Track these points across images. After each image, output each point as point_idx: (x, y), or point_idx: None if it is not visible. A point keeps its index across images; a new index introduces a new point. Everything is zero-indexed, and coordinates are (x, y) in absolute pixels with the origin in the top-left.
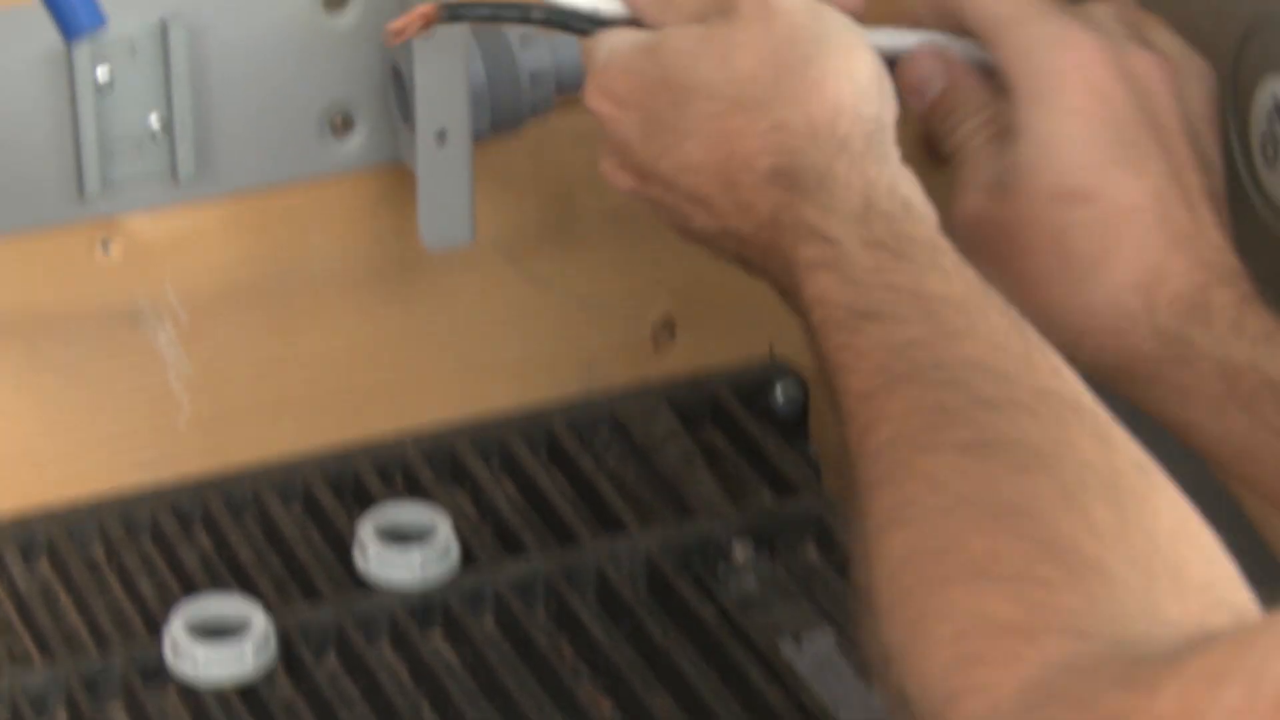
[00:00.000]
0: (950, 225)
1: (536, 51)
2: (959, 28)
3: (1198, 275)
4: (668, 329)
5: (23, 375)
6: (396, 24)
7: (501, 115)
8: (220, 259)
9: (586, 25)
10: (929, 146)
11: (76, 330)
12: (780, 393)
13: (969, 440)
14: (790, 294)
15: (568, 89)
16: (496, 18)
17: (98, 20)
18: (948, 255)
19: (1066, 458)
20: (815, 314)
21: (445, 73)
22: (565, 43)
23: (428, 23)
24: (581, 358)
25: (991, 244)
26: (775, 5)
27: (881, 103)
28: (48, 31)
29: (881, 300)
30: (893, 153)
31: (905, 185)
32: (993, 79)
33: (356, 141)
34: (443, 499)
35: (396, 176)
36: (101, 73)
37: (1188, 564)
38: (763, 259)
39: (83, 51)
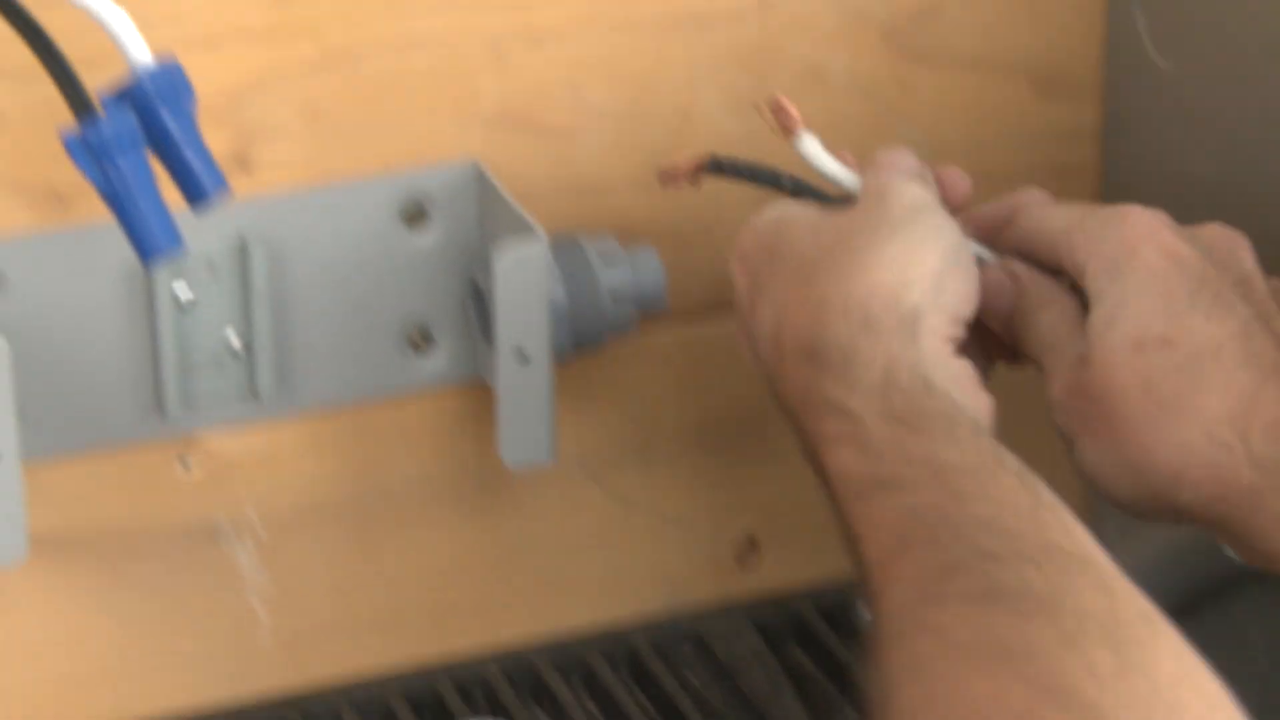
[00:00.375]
0: (1051, 415)
1: (618, 270)
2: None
3: None
4: (751, 546)
5: (102, 592)
6: (667, 165)
7: (583, 334)
8: (300, 476)
9: (827, 197)
10: (1008, 355)
11: (156, 547)
12: (866, 611)
13: (974, 590)
14: (815, 464)
15: (649, 307)
16: (754, 178)
17: (175, 243)
18: (963, 426)
19: (1068, 605)
20: (836, 486)
21: (526, 291)
22: (646, 262)
23: (698, 169)
24: (664, 575)
25: (1086, 413)
26: (886, 192)
27: (933, 295)
28: (128, 248)
29: (897, 471)
30: (929, 340)
31: (930, 365)
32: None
33: (436, 358)
34: (524, 718)
35: (477, 393)
36: (181, 290)
37: (1187, 708)
38: (798, 429)
39: (162, 269)
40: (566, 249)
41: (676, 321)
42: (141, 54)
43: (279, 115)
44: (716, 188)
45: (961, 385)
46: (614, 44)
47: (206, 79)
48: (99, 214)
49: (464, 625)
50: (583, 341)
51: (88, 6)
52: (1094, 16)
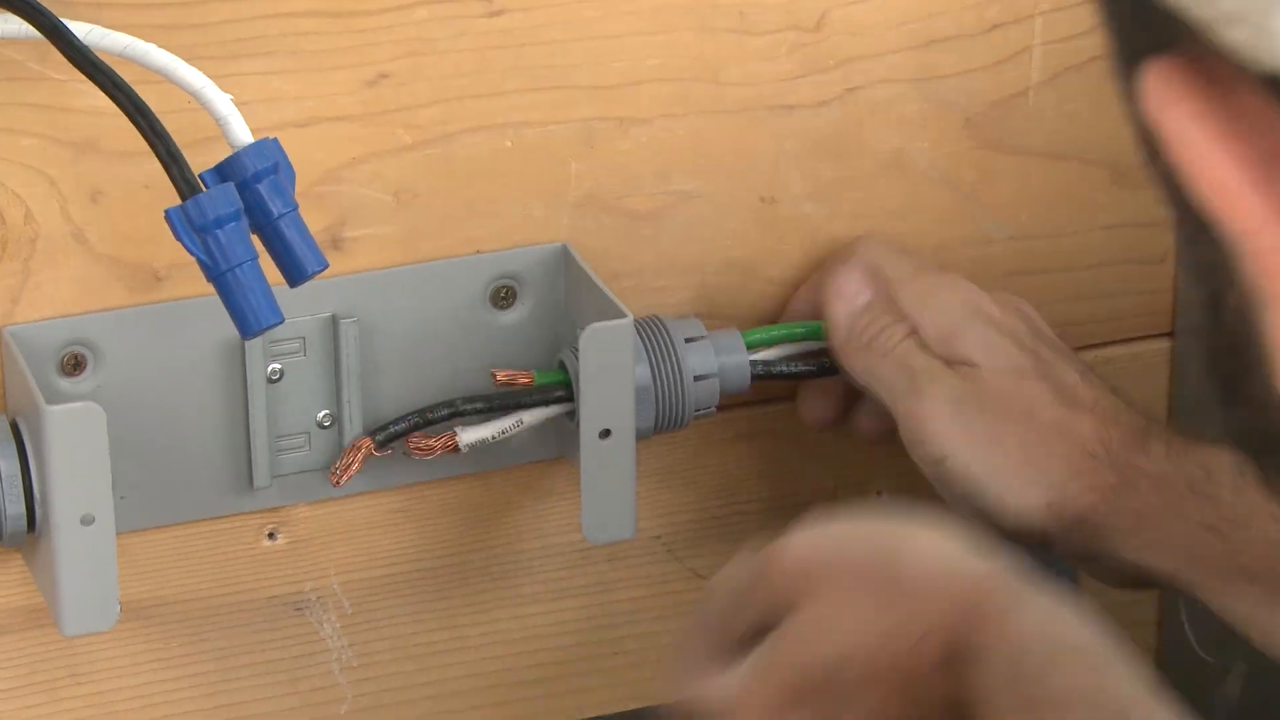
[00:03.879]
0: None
1: (701, 351)
2: None
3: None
4: None
5: (188, 659)
6: (338, 467)
7: (665, 413)
8: (385, 547)
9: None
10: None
11: (241, 615)
12: None
13: None
14: None
15: (730, 389)
16: (426, 423)
17: (275, 318)
18: None
19: None
20: None
21: (611, 371)
22: (729, 343)
23: (367, 454)
24: None
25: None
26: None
27: None
28: (221, 324)
29: None
30: None
31: None
32: None
33: (521, 435)
34: None
35: (561, 469)
36: (273, 367)
37: None
38: None
39: (254, 345)
40: (651, 330)
41: (757, 401)
42: (243, 134)
43: (372, 195)
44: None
45: None
46: (700, 131)
47: (302, 160)
48: (194, 291)
49: (543, 698)
50: (665, 420)
51: (193, 89)
52: None
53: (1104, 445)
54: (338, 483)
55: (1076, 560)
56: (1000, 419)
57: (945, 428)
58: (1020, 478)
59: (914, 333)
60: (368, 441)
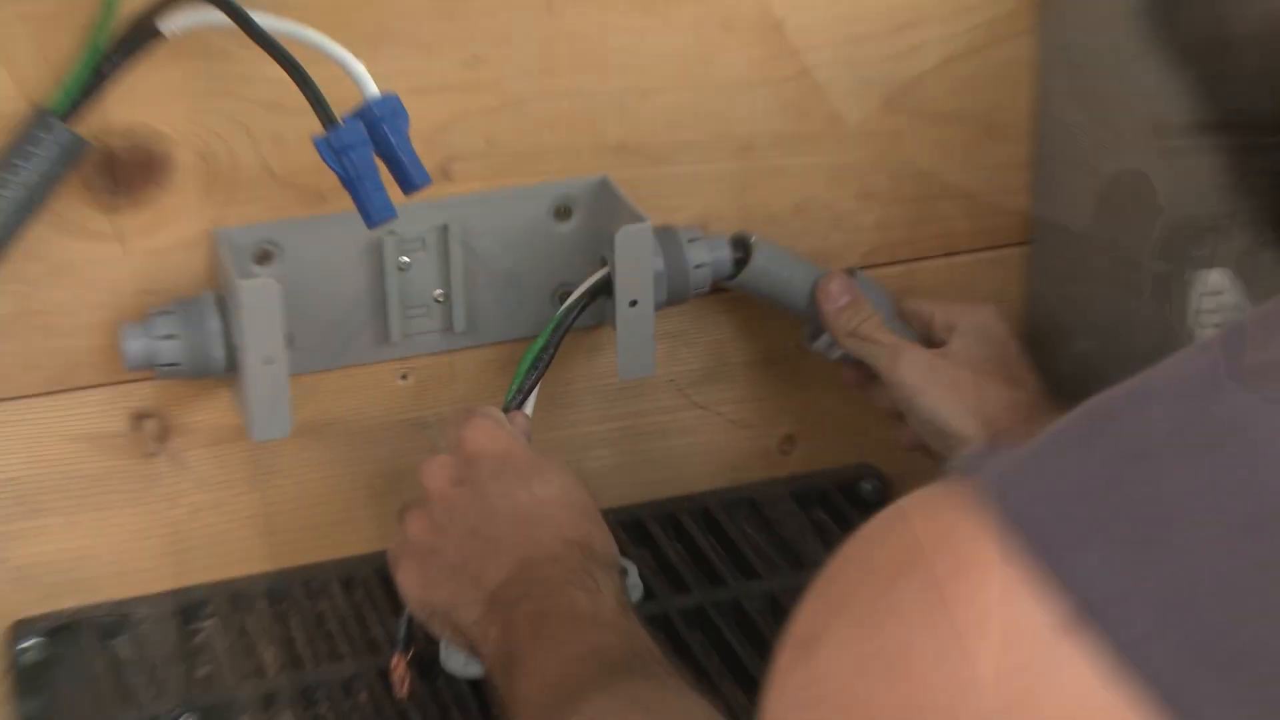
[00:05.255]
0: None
1: (699, 249)
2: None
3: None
4: (790, 441)
5: (346, 464)
6: (399, 691)
7: (674, 291)
8: (482, 386)
9: None
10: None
11: (381, 433)
12: (867, 487)
13: None
14: None
15: (720, 277)
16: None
17: (390, 213)
18: None
19: None
20: None
21: (636, 259)
22: (718, 244)
23: (407, 668)
24: (729, 460)
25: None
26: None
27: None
28: (366, 229)
29: None
30: None
31: None
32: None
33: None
34: (632, 554)
35: (603, 331)
36: (403, 259)
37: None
38: None
39: (389, 243)
40: (664, 233)
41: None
42: (371, 87)
43: (471, 141)
44: (763, 200)
45: None
46: (698, 99)
47: (422, 115)
48: (348, 206)
49: (593, 488)
50: (674, 297)
51: (338, 58)
52: (1025, 85)
53: (1028, 406)
54: (403, 694)
55: None
56: (959, 373)
57: (918, 376)
58: (967, 410)
59: (884, 322)
60: (399, 659)
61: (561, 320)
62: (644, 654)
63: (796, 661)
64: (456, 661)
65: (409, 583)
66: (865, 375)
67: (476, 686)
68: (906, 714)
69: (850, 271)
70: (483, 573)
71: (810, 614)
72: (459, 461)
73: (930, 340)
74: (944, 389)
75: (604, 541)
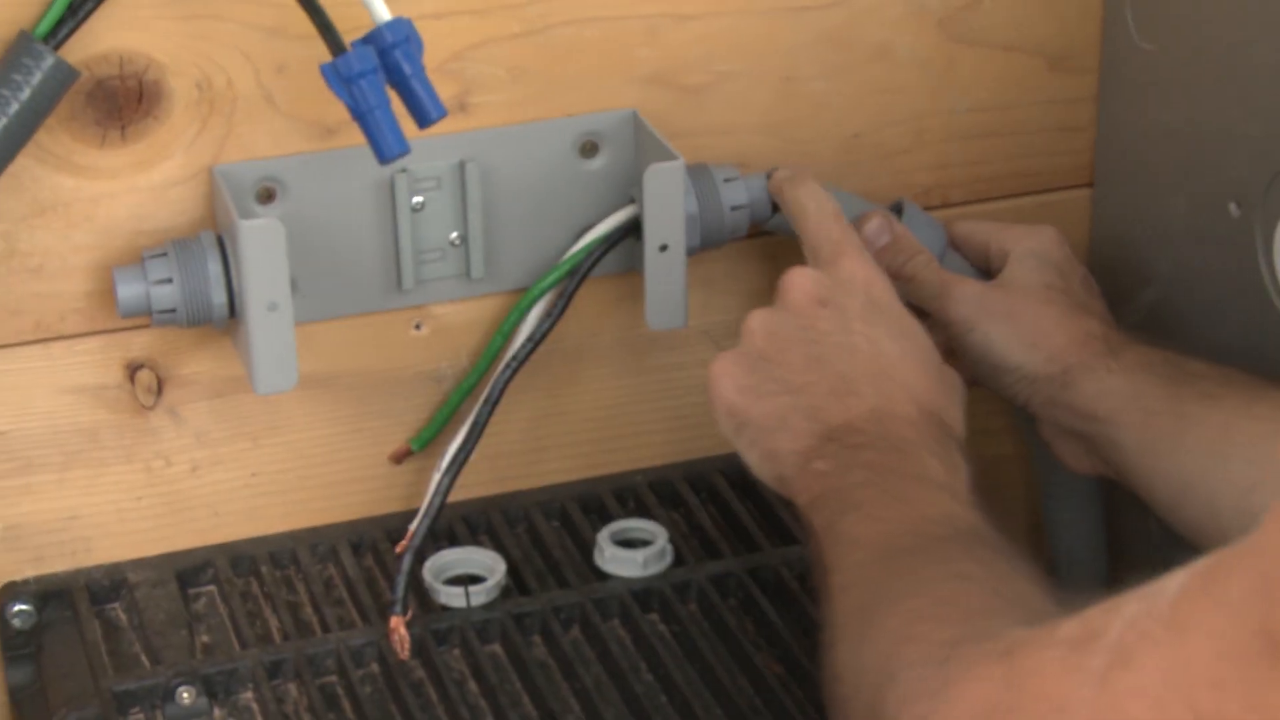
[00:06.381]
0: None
1: (735, 189)
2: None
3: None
4: None
5: (353, 418)
6: (402, 653)
7: (708, 235)
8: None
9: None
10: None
11: (394, 386)
12: None
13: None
14: None
15: (759, 219)
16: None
17: (403, 148)
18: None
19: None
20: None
21: (668, 200)
22: (756, 184)
23: (406, 628)
24: None
25: (994, 308)
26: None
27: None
28: (377, 165)
29: None
30: None
31: None
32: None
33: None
34: (661, 517)
35: (631, 278)
36: (416, 199)
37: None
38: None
39: (402, 181)
40: (698, 172)
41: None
42: (381, 11)
43: (490, 71)
44: (807, 134)
45: None
46: (737, 26)
47: (437, 43)
48: (357, 141)
49: (620, 449)
50: (708, 241)
51: None
52: (1093, 9)
53: (1100, 337)
54: (404, 655)
55: (1043, 405)
56: (1015, 302)
57: (968, 310)
58: (1025, 342)
59: (932, 259)
60: (398, 621)
61: (578, 264)
62: (988, 534)
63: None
64: (455, 598)
65: (727, 381)
66: (919, 313)
67: (493, 655)
68: None
69: (897, 206)
70: (824, 407)
71: None
72: (829, 282)
73: (988, 270)
74: (997, 321)
75: (957, 418)
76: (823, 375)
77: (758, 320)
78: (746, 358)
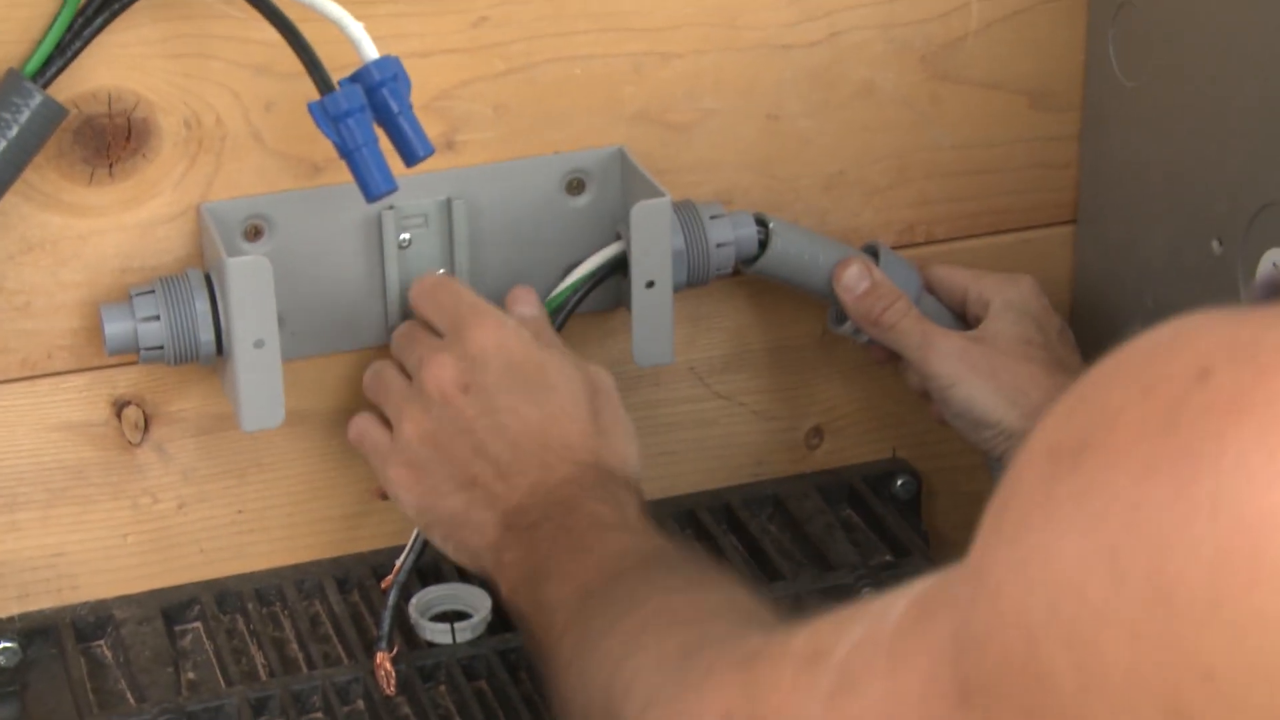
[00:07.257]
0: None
1: (721, 227)
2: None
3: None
4: (817, 434)
5: (341, 456)
6: (388, 689)
7: (694, 272)
8: None
9: None
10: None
11: None
12: (900, 484)
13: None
14: None
15: (744, 258)
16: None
17: (391, 186)
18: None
19: None
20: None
21: (654, 237)
22: (742, 221)
23: (392, 665)
24: (754, 453)
25: (977, 363)
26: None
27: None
28: (364, 202)
29: None
30: None
31: None
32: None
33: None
34: None
35: (618, 314)
36: (403, 236)
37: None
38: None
39: (389, 219)
40: (684, 209)
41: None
42: (370, 50)
43: (477, 109)
44: (792, 172)
45: None
46: (721, 63)
47: (424, 81)
48: (344, 179)
49: None
50: (694, 278)
51: (335, 18)
52: (1075, 47)
53: None
54: (390, 690)
55: None
56: (997, 359)
57: (952, 366)
58: (1007, 400)
59: (911, 306)
60: (383, 656)
61: (565, 301)
62: (675, 551)
63: (1063, 471)
64: (441, 634)
65: (407, 491)
66: (895, 354)
67: (479, 691)
68: (1197, 519)
69: (871, 248)
70: (497, 494)
71: (1072, 424)
72: (464, 363)
73: (963, 315)
74: (981, 378)
75: (618, 456)
76: (486, 462)
77: (410, 419)
78: (414, 461)
